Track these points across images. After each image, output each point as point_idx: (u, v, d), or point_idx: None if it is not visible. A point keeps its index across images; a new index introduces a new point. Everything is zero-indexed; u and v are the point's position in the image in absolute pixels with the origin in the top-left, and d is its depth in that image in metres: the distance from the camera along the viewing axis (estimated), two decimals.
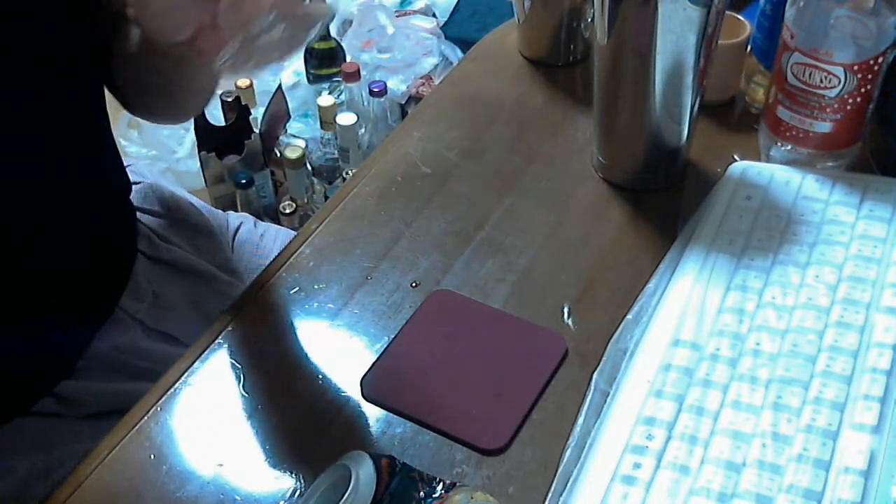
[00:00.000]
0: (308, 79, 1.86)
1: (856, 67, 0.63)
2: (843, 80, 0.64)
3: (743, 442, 0.52)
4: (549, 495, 0.52)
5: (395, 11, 1.94)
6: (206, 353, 0.62)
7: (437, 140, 0.77)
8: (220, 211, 0.90)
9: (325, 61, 1.82)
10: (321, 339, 0.63)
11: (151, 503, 0.55)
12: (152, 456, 0.57)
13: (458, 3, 1.99)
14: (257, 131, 1.69)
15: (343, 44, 1.86)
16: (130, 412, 0.59)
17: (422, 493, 0.50)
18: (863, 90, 0.65)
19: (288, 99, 1.81)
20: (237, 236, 0.88)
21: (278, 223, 1.52)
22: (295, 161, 1.64)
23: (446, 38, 1.90)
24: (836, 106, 0.66)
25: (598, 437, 0.54)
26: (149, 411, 0.59)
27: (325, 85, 1.82)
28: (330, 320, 0.64)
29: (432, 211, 0.71)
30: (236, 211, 1.54)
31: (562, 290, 0.64)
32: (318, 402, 0.59)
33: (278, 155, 1.72)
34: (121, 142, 1.81)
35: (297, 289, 0.66)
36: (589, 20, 0.82)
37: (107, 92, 0.74)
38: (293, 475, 0.55)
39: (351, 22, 1.95)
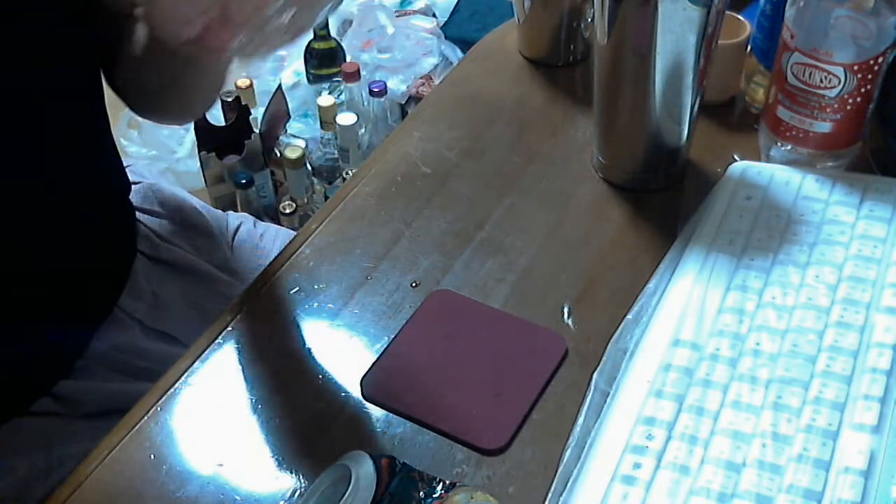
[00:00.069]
0: (308, 79, 1.86)
1: (856, 67, 0.63)
2: (843, 80, 0.64)
3: (743, 442, 0.52)
4: (549, 495, 0.52)
5: (395, 11, 1.94)
6: (206, 353, 0.62)
7: (437, 140, 0.77)
8: (220, 211, 0.90)
9: (325, 61, 1.82)
10: (321, 339, 0.63)
11: (151, 503, 0.55)
12: (152, 456, 0.57)
13: (458, 3, 1.99)
14: (257, 131, 1.69)
15: (343, 44, 1.86)
16: (130, 412, 0.59)
17: (422, 493, 0.50)
18: (863, 90, 0.65)
19: (288, 99, 1.81)
20: (237, 236, 0.88)
21: (278, 223, 1.52)
22: (295, 161, 1.64)
23: (446, 38, 1.90)
24: (836, 106, 0.66)
25: (598, 437, 0.54)
26: (149, 411, 0.59)
27: (325, 85, 1.82)
28: (330, 320, 0.64)
29: (432, 211, 0.71)
30: (236, 211, 1.54)
31: (562, 290, 0.64)
32: (318, 402, 0.59)
33: (278, 155, 1.72)
34: (121, 142, 1.82)
35: (297, 289, 0.66)
36: (589, 20, 0.82)
37: (107, 92, 0.74)
38: (293, 475, 0.55)
39: (351, 22, 1.95)
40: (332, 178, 1.76)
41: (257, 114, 1.77)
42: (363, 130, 1.75)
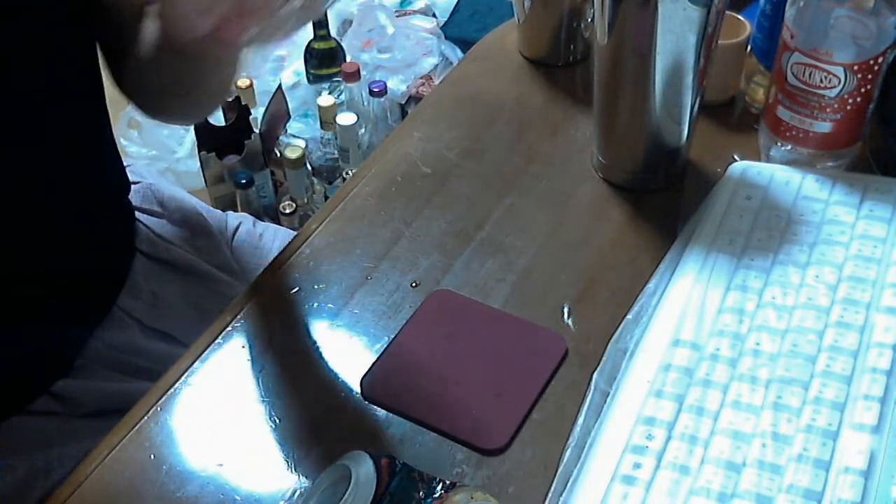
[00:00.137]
0: (308, 79, 1.86)
1: (856, 67, 0.63)
2: (843, 80, 0.64)
3: (743, 442, 0.52)
4: (549, 495, 0.52)
5: (395, 11, 1.94)
6: (206, 353, 0.62)
7: (437, 140, 0.77)
8: (219, 211, 0.90)
9: (325, 61, 1.82)
10: (321, 339, 0.63)
11: (151, 503, 0.55)
12: (152, 456, 0.57)
13: (458, 3, 1.99)
14: (257, 131, 1.69)
15: (343, 44, 1.86)
16: (130, 412, 0.59)
17: (422, 493, 0.50)
18: (863, 90, 0.65)
19: (288, 99, 1.81)
20: (236, 236, 0.88)
21: (278, 223, 1.52)
22: (295, 161, 1.64)
23: (446, 38, 1.90)
24: (836, 106, 0.66)
25: (598, 437, 0.54)
26: (149, 411, 0.59)
27: (325, 85, 1.82)
28: (330, 320, 0.64)
29: (432, 211, 0.71)
30: (236, 211, 1.54)
31: (562, 290, 0.64)
32: (318, 402, 0.59)
33: (278, 155, 1.72)
34: (121, 142, 1.82)
35: (297, 289, 0.66)
36: (589, 20, 0.82)
37: (107, 91, 0.74)
38: (293, 475, 0.55)
39: (351, 22, 1.95)
40: (332, 178, 1.76)
41: (257, 114, 1.77)
42: (363, 130, 1.75)
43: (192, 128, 1.72)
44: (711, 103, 0.75)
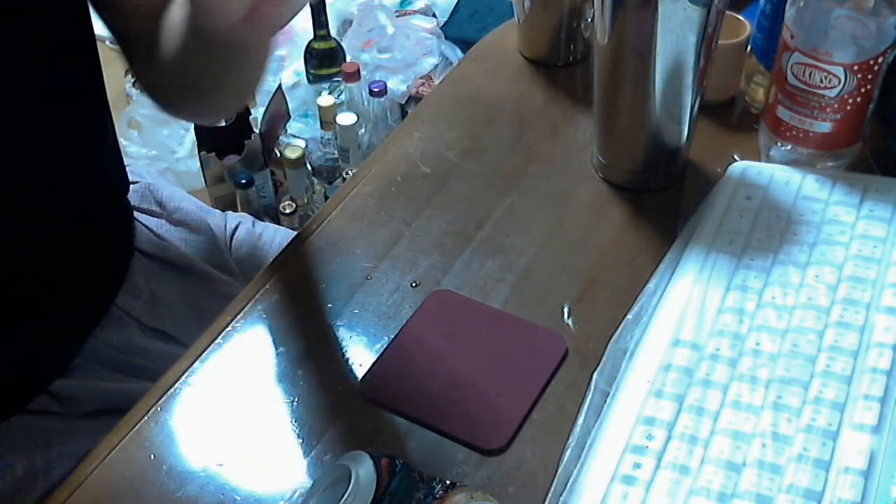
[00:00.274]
0: (308, 79, 1.86)
1: (856, 67, 0.63)
2: (843, 80, 0.64)
3: (743, 442, 0.52)
4: (549, 495, 0.52)
5: (395, 11, 1.94)
6: (205, 353, 0.62)
7: (437, 140, 0.77)
8: (219, 211, 0.90)
9: (325, 61, 1.82)
10: (321, 339, 0.63)
11: (151, 503, 0.55)
12: (152, 456, 0.57)
13: (458, 3, 1.99)
14: (257, 131, 1.69)
15: (343, 44, 1.86)
16: (130, 412, 0.59)
17: (422, 493, 0.50)
18: (863, 90, 0.65)
19: (288, 99, 1.81)
20: (235, 236, 0.88)
21: (278, 223, 1.52)
22: (295, 161, 1.64)
23: (446, 38, 1.90)
24: (836, 106, 0.66)
25: (598, 437, 0.54)
26: (148, 411, 0.59)
27: (325, 85, 1.82)
28: (330, 320, 0.64)
29: (432, 211, 0.71)
30: (236, 211, 1.54)
31: (562, 290, 0.64)
32: (319, 402, 0.59)
33: (278, 155, 1.72)
34: (121, 141, 1.81)
35: (296, 289, 0.66)
36: (589, 20, 0.82)
37: (107, 92, 0.74)
38: (293, 475, 0.55)
39: (351, 22, 1.95)
40: (332, 178, 1.76)
41: (257, 114, 1.77)
42: (363, 130, 1.75)
43: (192, 128, 1.72)
44: (711, 103, 0.75)
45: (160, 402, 0.60)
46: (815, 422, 0.53)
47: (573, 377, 0.59)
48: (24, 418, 0.70)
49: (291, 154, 1.63)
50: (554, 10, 0.81)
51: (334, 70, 1.81)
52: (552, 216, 0.70)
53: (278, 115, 1.78)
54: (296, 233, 0.73)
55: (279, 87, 1.79)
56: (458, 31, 1.93)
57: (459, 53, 1.86)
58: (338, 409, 0.59)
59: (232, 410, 0.59)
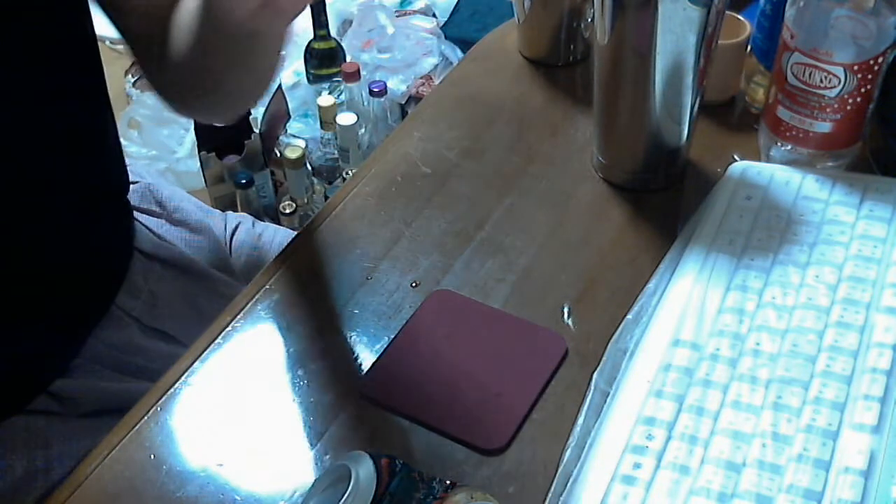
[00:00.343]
0: (308, 79, 1.86)
1: (856, 67, 0.63)
2: (843, 80, 0.64)
3: (743, 442, 0.52)
4: (549, 495, 0.52)
5: (395, 11, 1.94)
6: (205, 353, 0.62)
7: (437, 140, 0.77)
8: (218, 211, 0.90)
9: (325, 61, 1.82)
10: (321, 340, 0.63)
11: (151, 503, 0.55)
12: (152, 456, 0.57)
13: (458, 3, 1.99)
14: (257, 131, 1.69)
15: (343, 44, 1.86)
16: (130, 412, 0.59)
17: (422, 493, 0.50)
18: (863, 90, 0.65)
19: (288, 99, 1.81)
20: (235, 236, 0.88)
21: (278, 223, 1.52)
22: (295, 161, 1.64)
23: (446, 38, 1.90)
24: (836, 106, 0.66)
25: (598, 437, 0.54)
26: (148, 411, 0.59)
27: (325, 85, 1.82)
28: (330, 320, 0.64)
29: (432, 211, 0.71)
30: (236, 211, 1.54)
31: (562, 290, 0.64)
32: (319, 402, 0.59)
33: (278, 155, 1.72)
34: (121, 141, 1.81)
35: (296, 288, 0.66)
36: (589, 20, 0.82)
37: (108, 92, 0.74)
38: (293, 475, 0.55)
39: (351, 22, 1.95)
40: (332, 178, 1.76)
41: (257, 114, 1.77)
42: (363, 130, 1.75)
43: (192, 128, 1.72)
44: (711, 103, 0.75)
45: (160, 402, 0.60)
46: (815, 422, 0.53)
47: (573, 377, 0.59)
48: (24, 418, 0.70)
49: (291, 154, 1.63)
50: (554, 10, 0.81)
51: (334, 70, 1.81)
52: (552, 216, 0.70)
53: (278, 115, 1.78)
54: (296, 233, 0.73)
55: (279, 87, 1.79)
56: (458, 31, 1.93)
57: (459, 53, 1.86)
58: (338, 409, 0.59)
59: (232, 410, 0.59)
